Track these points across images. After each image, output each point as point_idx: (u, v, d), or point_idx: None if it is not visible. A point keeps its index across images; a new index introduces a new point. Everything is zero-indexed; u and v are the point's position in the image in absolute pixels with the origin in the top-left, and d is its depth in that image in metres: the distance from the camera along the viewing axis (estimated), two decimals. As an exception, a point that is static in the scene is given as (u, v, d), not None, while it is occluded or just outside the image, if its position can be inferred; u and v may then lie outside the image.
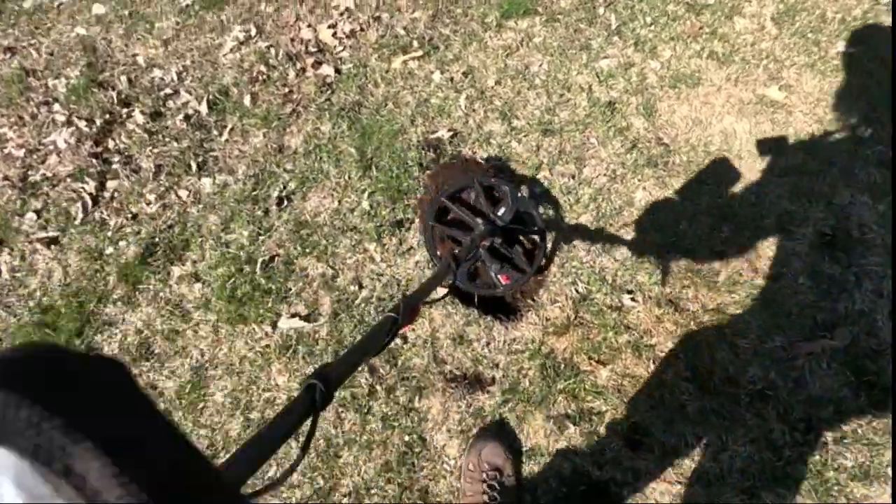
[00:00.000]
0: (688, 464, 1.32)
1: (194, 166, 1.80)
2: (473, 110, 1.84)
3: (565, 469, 1.32)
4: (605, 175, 1.70)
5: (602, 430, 1.35)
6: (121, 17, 2.16)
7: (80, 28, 2.15)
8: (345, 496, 1.32)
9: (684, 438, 1.34)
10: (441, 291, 1.52)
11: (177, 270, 1.62)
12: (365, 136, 1.80)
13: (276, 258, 1.62)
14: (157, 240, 1.67)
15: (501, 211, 1.56)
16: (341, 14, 2.11)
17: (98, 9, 2.19)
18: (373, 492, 1.32)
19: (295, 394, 0.57)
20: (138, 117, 1.90)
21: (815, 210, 1.60)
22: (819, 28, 1.90)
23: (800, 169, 1.66)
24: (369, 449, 1.36)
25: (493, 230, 1.45)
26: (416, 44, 2.00)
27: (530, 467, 1.33)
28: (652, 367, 1.42)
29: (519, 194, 1.60)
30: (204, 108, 1.92)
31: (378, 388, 1.43)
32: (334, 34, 2.06)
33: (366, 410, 1.41)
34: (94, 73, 2.01)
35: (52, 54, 2.09)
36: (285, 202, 1.72)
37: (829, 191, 1.62)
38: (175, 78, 2.00)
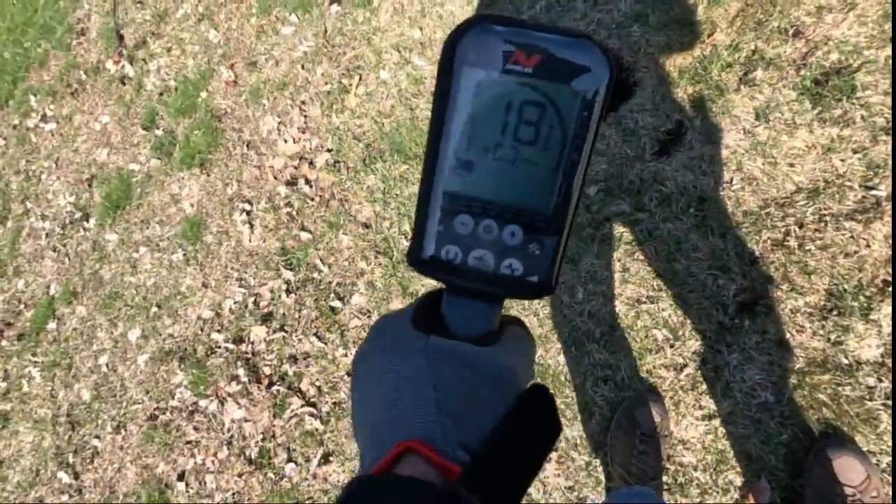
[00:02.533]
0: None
1: (333, 296, 1.82)
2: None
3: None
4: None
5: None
6: (157, 313, 2.17)
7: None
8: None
9: None
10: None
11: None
12: (403, 147, 1.88)
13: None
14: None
15: None
16: (279, 130, 2.22)
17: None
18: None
19: None
20: (260, 332, 1.90)
21: None
22: None
23: None
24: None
25: None
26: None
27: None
28: None
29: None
30: (290, 276, 1.95)
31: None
32: (293, 140, 2.16)
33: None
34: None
35: (149, 388, 2.07)
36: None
37: None
38: (244, 287, 2.02)
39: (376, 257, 1.83)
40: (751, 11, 1.53)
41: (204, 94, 2.51)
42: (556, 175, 0.31)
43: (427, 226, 0.33)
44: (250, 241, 2.11)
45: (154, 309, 2.22)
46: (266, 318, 1.96)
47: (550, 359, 1.50)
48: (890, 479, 1.12)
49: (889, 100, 1.32)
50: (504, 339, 0.34)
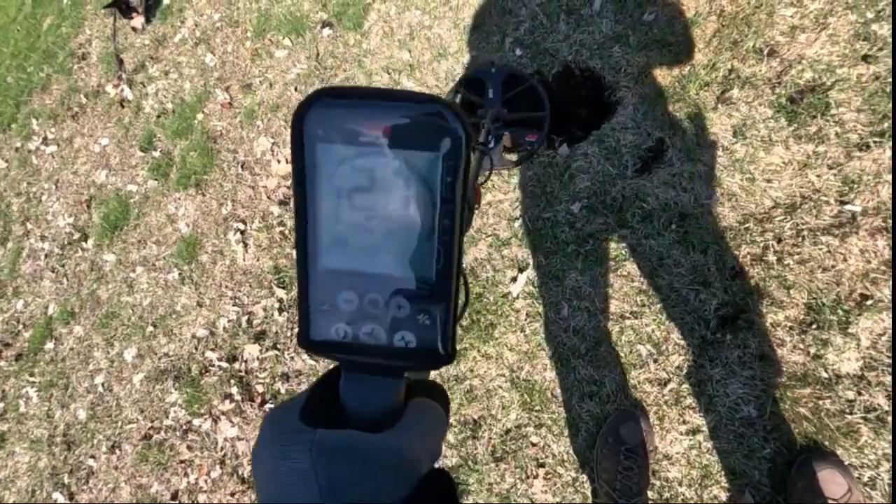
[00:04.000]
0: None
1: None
2: (424, 75, 2.00)
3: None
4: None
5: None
6: (152, 332, 2.19)
7: (138, 372, 2.16)
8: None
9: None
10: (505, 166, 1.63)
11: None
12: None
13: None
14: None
15: (491, 91, 1.64)
16: (272, 150, 2.26)
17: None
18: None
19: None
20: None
21: None
22: None
23: None
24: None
25: (497, 108, 1.55)
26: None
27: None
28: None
29: (492, 69, 1.67)
30: (283, 294, 1.97)
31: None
32: (286, 161, 2.20)
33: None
34: (187, 373, 2.02)
35: (144, 407, 2.08)
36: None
37: None
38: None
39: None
40: (726, 32, 1.57)
41: (200, 117, 2.56)
42: (433, 242, 0.30)
43: (311, 306, 0.32)
44: (244, 259, 2.14)
45: (150, 328, 2.24)
46: (259, 337, 1.98)
47: (537, 375, 1.51)
48: (871, 492, 1.13)
49: (863, 116, 1.35)
50: (406, 418, 0.32)
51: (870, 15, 1.41)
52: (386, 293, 0.31)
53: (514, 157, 1.69)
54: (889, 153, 1.29)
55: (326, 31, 2.37)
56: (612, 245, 1.52)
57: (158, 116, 2.73)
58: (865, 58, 1.39)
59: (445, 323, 0.32)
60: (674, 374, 1.36)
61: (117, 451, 2.11)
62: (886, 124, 1.31)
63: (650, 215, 1.49)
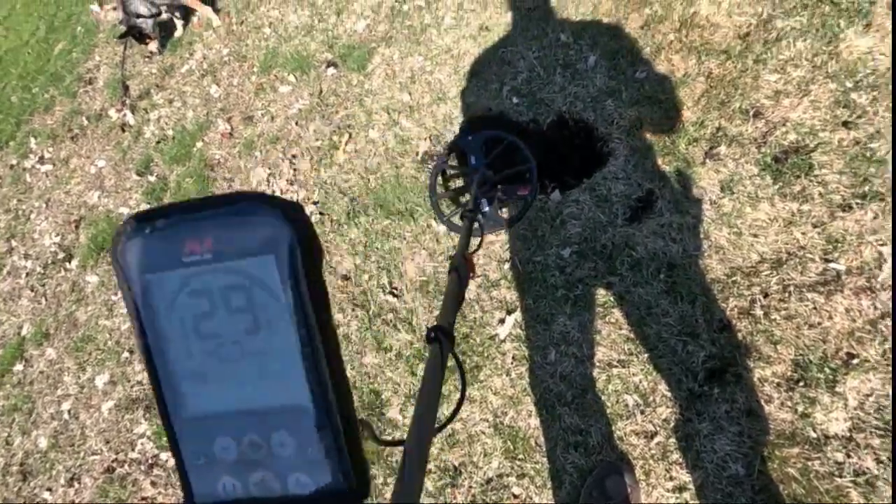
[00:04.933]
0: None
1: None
2: (423, 116, 2.06)
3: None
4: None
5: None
6: (127, 358, 2.12)
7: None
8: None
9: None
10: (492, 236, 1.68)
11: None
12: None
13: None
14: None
15: (474, 158, 1.72)
16: (268, 181, 2.28)
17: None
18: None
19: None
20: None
21: None
22: None
23: None
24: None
25: (481, 171, 1.60)
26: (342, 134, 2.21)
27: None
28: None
29: (470, 138, 1.76)
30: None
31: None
32: (281, 192, 2.21)
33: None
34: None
35: (110, 438, 1.98)
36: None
37: None
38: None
39: (353, 309, 1.83)
40: (714, 92, 1.64)
41: (199, 144, 2.59)
42: (297, 358, 0.26)
43: (187, 463, 0.27)
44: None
45: (125, 354, 2.17)
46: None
47: (522, 421, 1.47)
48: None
49: (845, 178, 1.39)
50: None
51: (849, 84, 1.49)
52: (264, 431, 0.26)
53: (505, 214, 1.71)
54: (870, 215, 1.32)
55: (331, 70, 2.44)
56: (601, 291, 1.52)
57: (158, 142, 2.75)
58: (846, 124, 1.45)
59: (340, 451, 0.26)
60: (661, 426, 1.33)
61: (76, 485, 2.00)
62: (867, 187, 1.35)
63: (639, 264, 1.50)
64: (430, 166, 1.94)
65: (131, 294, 0.27)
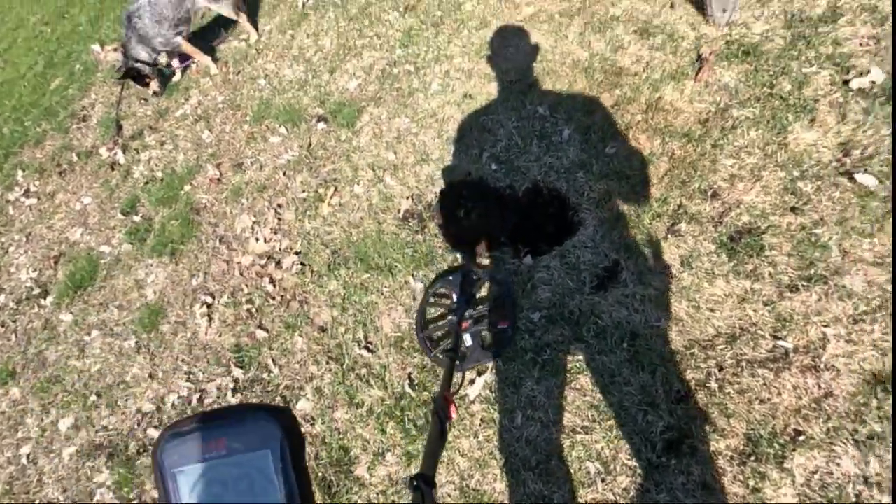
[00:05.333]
0: (759, 174, 1.65)
1: (279, 399, 1.80)
2: (406, 176, 2.15)
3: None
4: (517, 121, 2.11)
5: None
6: (95, 402, 2.09)
7: (70, 445, 2.02)
8: None
9: (739, 167, 1.68)
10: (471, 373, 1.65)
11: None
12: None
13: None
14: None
15: (454, 296, 1.77)
16: (252, 229, 2.33)
17: (68, 419, 2.09)
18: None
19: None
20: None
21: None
22: None
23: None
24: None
25: (462, 310, 1.68)
26: (327, 187, 2.29)
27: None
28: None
29: (450, 277, 1.82)
30: (240, 375, 1.94)
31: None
32: (264, 240, 2.26)
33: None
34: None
35: (68, 486, 1.92)
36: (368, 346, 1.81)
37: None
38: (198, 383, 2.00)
39: (328, 363, 1.85)
40: (676, 172, 1.76)
41: (187, 188, 2.65)
42: None
43: None
44: (206, 334, 2.12)
45: (93, 398, 2.14)
46: (207, 418, 1.91)
47: (487, 485, 1.49)
48: None
49: (793, 260, 1.50)
50: None
51: (796, 173, 1.62)
52: None
53: (488, 352, 1.68)
54: (815, 297, 1.42)
55: (321, 125, 2.55)
56: (568, 357, 1.57)
57: (146, 183, 2.80)
58: (794, 209, 1.57)
59: None
60: (620, 495, 1.36)
61: (27, 536, 1.92)
62: (813, 270, 1.46)
63: (604, 332, 1.57)
64: (410, 225, 2.02)
65: (164, 483, 0.37)
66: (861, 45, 1.80)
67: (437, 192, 2.09)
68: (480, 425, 1.57)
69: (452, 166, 2.13)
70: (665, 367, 1.46)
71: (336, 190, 2.28)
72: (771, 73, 1.85)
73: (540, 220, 1.90)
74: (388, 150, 2.30)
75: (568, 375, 1.55)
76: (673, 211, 1.70)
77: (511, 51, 2.40)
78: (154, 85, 3.15)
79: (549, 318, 1.65)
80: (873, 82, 1.70)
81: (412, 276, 1.91)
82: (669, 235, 1.66)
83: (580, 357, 1.56)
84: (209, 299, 2.19)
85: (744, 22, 2.02)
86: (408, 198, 2.12)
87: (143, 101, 3.26)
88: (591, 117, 2.03)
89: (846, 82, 1.73)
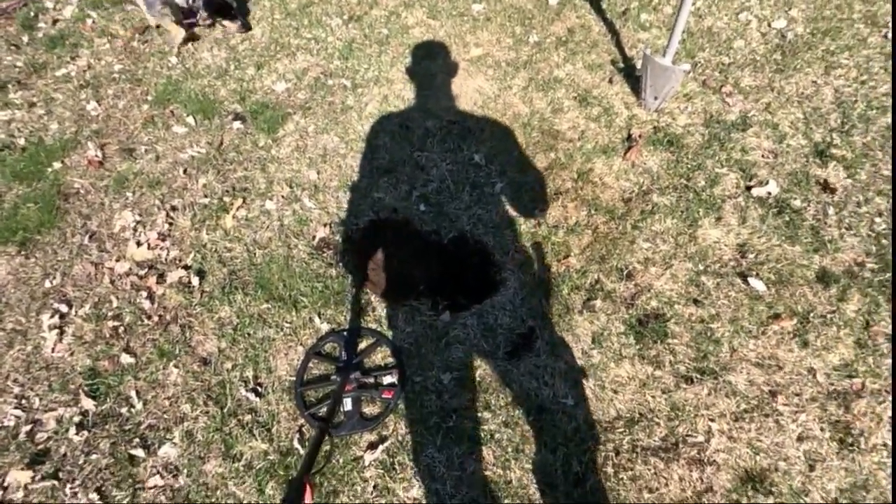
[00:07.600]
0: (669, 261, 1.75)
1: (137, 441, 1.52)
2: (327, 201, 1.99)
3: (629, 333, 1.62)
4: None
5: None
6: None
7: None
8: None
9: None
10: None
11: None
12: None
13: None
14: None
15: (343, 355, 1.66)
16: (135, 230, 2.00)
17: None
18: None
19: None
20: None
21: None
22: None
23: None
24: None
25: (347, 373, 1.59)
26: (227, 199, 2.04)
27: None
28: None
29: (344, 333, 1.69)
30: (91, 406, 1.62)
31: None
32: (148, 246, 1.95)
33: None
34: None
35: None
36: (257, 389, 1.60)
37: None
38: (36, 404, 1.63)
39: (205, 403, 1.61)
40: (598, 247, 1.81)
41: (57, 165, 2.21)
42: None
43: None
44: (54, 350, 1.75)
45: None
46: (38, 458, 1.56)
47: (371, 562, 1.37)
48: None
49: (690, 351, 1.59)
50: None
51: (701, 267, 1.74)
52: None
53: (366, 422, 1.55)
54: (706, 391, 1.51)
55: (237, 123, 2.29)
56: (473, 426, 1.52)
57: (2, 149, 2.30)
58: (696, 301, 1.68)
59: None
60: (509, 581, 1.32)
61: None
62: (706, 363, 1.56)
63: (512, 402, 1.54)
64: (324, 255, 1.86)
65: None
66: (763, 156, 2.00)
67: (359, 225, 1.95)
68: (373, 493, 1.44)
69: (378, 199, 2.00)
70: (566, 447, 1.46)
71: (244, 201, 2.04)
72: (689, 166, 1.99)
73: (463, 273, 1.85)
74: (311, 167, 2.12)
75: (471, 446, 1.49)
76: (591, 285, 1.74)
77: (454, 89, 2.35)
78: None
79: (459, 381, 1.59)
80: (769, 193, 1.89)
81: (318, 314, 1.75)
82: (585, 310, 1.69)
83: (485, 427, 1.51)
84: (64, 308, 1.83)
85: (670, 111, 2.17)
86: (325, 225, 1.95)
87: (13, 49, 2.71)
88: (524, 175, 2.03)
89: (749, 188, 1.91)
